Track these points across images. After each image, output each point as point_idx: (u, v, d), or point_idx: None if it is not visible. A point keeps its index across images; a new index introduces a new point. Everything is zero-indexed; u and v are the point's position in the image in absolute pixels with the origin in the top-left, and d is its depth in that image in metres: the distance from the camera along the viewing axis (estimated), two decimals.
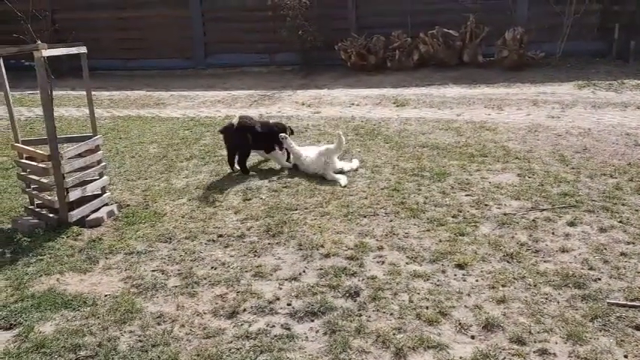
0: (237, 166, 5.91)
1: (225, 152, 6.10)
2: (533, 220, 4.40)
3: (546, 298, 3.33)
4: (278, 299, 3.42)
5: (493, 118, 8.00)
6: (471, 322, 3.11)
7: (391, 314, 3.21)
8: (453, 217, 4.54)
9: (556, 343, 2.92)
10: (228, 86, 11.66)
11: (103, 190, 4.99)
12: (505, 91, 9.77)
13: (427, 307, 3.26)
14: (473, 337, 3.00)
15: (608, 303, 3.24)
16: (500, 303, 3.29)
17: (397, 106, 9.13)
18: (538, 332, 3.01)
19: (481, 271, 3.67)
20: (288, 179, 5.60)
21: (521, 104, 8.71)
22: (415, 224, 4.43)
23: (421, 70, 11.78)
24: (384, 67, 12.10)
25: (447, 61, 11.79)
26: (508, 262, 3.79)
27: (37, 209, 4.78)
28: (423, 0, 12.41)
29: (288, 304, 3.36)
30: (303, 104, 9.62)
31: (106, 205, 4.93)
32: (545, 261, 3.79)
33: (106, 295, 3.54)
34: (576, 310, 3.20)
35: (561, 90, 9.56)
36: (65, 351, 2.97)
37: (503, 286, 3.48)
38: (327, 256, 3.95)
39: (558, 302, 3.29)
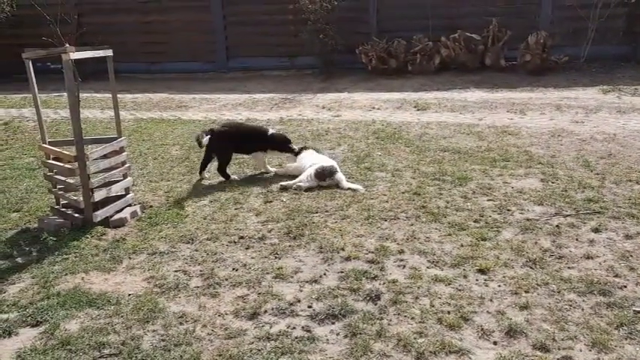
0: (205, 174, 5.90)
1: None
2: (556, 226, 4.35)
3: (570, 305, 3.29)
4: (299, 301, 3.43)
5: (515, 122, 7.93)
6: (493, 328, 3.09)
7: (412, 318, 3.20)
8: (474, 221, 4.50)
9: (580, 350, 2.88)
10: (249, 89, 11.74)
11: (127, 190, 5.07)
12: (528, 95, 9.67)
13: (449, 312, 3.24)
14: (495, 343, 2.97)
15: (634, 311, 3.19)
16: (523, 309, 3.25)
17: (418, 110, 9.09)
18: (562, 339, 2.97)
19: (503, 277, 3.63)
20: None
21: (545, 109, 8.62)
22: (436, 228, 4.41)
23: (442, 74, 11.73)
24: (404, 70, 12.06)
25: (468, 65, 11.72)
26: (531, 267, 3.75)
27: (62, 209, 4.87)
28: (444, 4, 12.37)
29: (309, 307, 3.37)
30: (323, 107, 9.64)
31: (130, 205, 5.00)
32: (569, 267, 3.74)
33: (129, 295, 3.59)
34: (601, 317, 3.16)
35: (585, 95, 9.44)
36: (90, 349, 3.02)
37: (526, 291, 3.44)
38: (347, 259, 3.95)
39: (583, 309, 3.24)
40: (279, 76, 13.07)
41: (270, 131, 6.15)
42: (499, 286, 3.53)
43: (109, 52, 4.81)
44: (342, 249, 4.09)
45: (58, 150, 4.82)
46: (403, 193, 5.19)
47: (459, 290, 3.49)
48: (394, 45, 12.03)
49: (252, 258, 4.05)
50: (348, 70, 12.50)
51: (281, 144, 6.09)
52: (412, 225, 4.49)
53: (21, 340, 3.13)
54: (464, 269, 3.74)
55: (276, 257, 4.05)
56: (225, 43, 13.72)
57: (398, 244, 4.16)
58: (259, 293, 3.55)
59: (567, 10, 11.50)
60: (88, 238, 4.45)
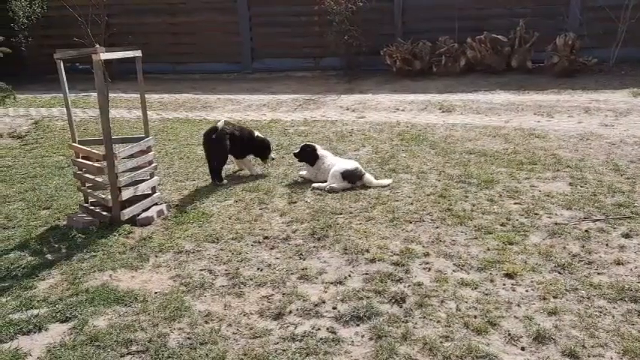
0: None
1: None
2: (585, 231, 4.27)
3: (600, 312, 3.22)
4: (323, 302, 3.43)
5: (543, 125, 7.81)
6: (521, 333, 3.04)
7: (438, 322, 3.17)
8: (501, 225, 4.44)
9: (611, 358, 2.82)
10: (273, 90, 11.79)
11: (153, 189, 5.13)
12: (555, 97, 9.52)
13: (475, 316, 3.20)
14: (523, 349, 2.92)
15: None
16: (552, 315, 3.20)
17: (443, 111, 9.02)
18: (592, 346, 2.91)
19: (531, 282, 3.58)
20: None
21: (573, 111, 8.47)
22: (462, 231, 4.36)
23: (468, 75, 11.62)
24: (429, 72, 11.99)
25: (494, 67, 11.59)
26: (559, 273, 3.68)
27: (91, 207, 4.95)
28: (470, 5, 12.26)
29: (334, 308, 3.36)
30: (347, 109, 9.63)
31: (156, 204, 5.06)
32: (598, 273, 3.66)
33: (156, 293, 3.63)
34: (632, 325, 3.09)
35: (615, 97, 9.25)
36: (118, 345, 3.06)
37: (554, 297, 3.38)
38: (372, 261, 3.93)
39: (613, 316, 3.17)
40: (304, 77, 13.10)
41: (256, 133, 6.20)
42: (527, 291, 3.48)
43: (138, 53, 4.87)
44: (367, 251, 4.07)
45: (88, 149, 4.91)
46: (428, 195, 5.15)
47: (486, 294, 3.44)
48: (419, 46, 11.97)
49: (277, 258, 4.07)
50: (372, 72, 12.47)
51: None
52: (437, 228, 4.45)
53: (51, 335, 3.19)
54: (490, 273, 3.70)
55: (300, 258, 4.06)
56: (250, 44, 13.81)
57: (423, 246, 4.13)
58: (284, 293, 3.56)
59: (597, 11, 11.30)
60: (115, 236, 4.51)
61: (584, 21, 11.44)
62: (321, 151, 5.88)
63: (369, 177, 5.52)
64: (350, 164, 5.58)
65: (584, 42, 11.05)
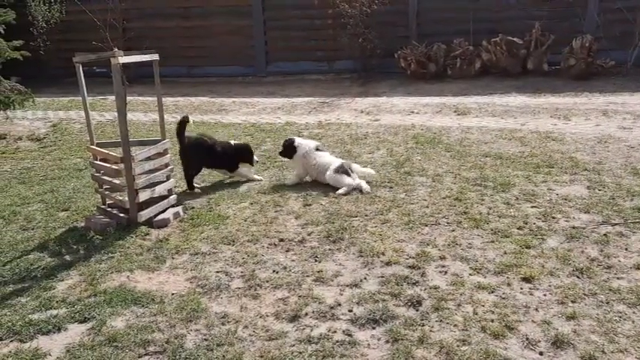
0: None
1: None
2: (604, 235, 4.22)
3: (620, 317, 3.18)
4: (339, 305, 3.43)
5: (559, 128, 7.74)
6: (539, 338, 3.01)
7: (455, 325, 3.15)
8: (518, 228, 4.41)
9: None
10: (287, 93, 11.83)
11: (170, 192, 5.17)
12: (572, 100, 9.43)
13: (492, 320, 3.18)
14: (541, 354, 2.90)
15: None
16: (570, 319, 3.17)
17: (458, 114, 8.98)
18: (612, 352, 2.87)
19: (549, 286, 3.54)
20: None
21: (590, 114, 8.38)
22: (478, 235, 4.34)
23: (483, 78, 11.56)
24: (444, 75, 11.95)
25: (510, 70, 11.52)
26: (578, 277, 3.64)
27: (108, 209, 5.00)
28: (486, 7, 12.20)
29: (350, 311, 3.36)
30: (361, 112, 9.63)
31: (173, 206, 5.09)
32: (618, 278, 3.62)
33: (172, 294, 3.65)
34: None
35: (633, 100, 9.14)
36: (135, 346, 3.09)
37: (573, 301, 3.35)
38: (388, 263, 3.93)
39: (633, 321, 3.13)
40: (318, 80, 13.12)
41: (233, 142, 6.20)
42: (544, 295, 3.45)
43: (155, 57, 4.92)
44: (383, 253, 4.07)
45: (105, 151, 4.96)
46: (444, 198, 5.13)
47: (503, 298, 3.42)
48: (434, 49, 11.94)
49: (293, 261, 4.07)
50: (386, 75, 12.46)
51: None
52: (453, 231, 4.43)
53: (70, 336, 3.23)
54: (508, 277, 3.67)
55: (316, 260, 4.06)
56: (264, 47, 13.87)
57: (439, 249, 4.11)
58: (300, 296, 3.56)
59: (614, 12, 11.18)
60: (132, 237, 4.56)
61: (602, 23, 11.33)
62: (300, 141, 5.94)
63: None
64: (336, 162, 5.70)
65: (602, 44, 10.94)
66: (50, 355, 3.06)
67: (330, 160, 5.75)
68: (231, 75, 13.95)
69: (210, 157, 5.84)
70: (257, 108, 10.52)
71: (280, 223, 4.78)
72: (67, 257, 4.29)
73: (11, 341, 3.19)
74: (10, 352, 3.09)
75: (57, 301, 3.60)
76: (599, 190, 5.18)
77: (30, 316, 3.43)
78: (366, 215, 4.83)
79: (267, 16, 13.74)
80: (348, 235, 4.43)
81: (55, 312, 3.47)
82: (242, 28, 13.96)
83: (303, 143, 5.88)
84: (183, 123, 5.51)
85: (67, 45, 13.41)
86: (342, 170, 5.55)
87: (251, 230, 4.63)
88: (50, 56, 13.66)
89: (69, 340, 3.18)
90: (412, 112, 9.38)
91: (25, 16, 12.93)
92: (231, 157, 5.93)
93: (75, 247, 4.48)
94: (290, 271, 3.91)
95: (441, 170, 5.97)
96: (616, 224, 4.40)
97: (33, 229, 4.88)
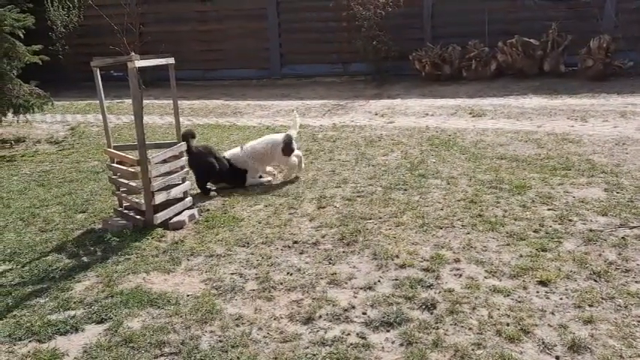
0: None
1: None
2: (622, 238, 4.16)
3: (638, 321, 3.14)
4: (353, 307, 3.43)
5: (576, 130, 7.65)
6: (555, 342, 2.98)
7: (470, 329, 3.14)
8: (534, 231, 4.37)
9: None
10: (302, 96, 11.85)
11: (185, 194, 5.21)
12: (589, 102, 9.32)
13: (508, 324, 3.15)
14: (557, 358, 2.87)
15: None
16: (588, 323, 3.13)
17: (473, 116, 8.93)
18: (630, 356, 2.84)
19: (566, 289, 3.51)
20: (362, 188, 5.61)
21: (608, 116, 8.28)
22: (494, 238, 4.31)
23: (498, 80, 11.48)
24: (459, 77, 11.89)
25: (526, 71, 11.42)
26: (595, 280, 3.60)
27: (125, 211, 5.06)
28: (501, 9, 12.12)
29: (364, 313, 3.36)
30: (376, 114, 9.62)
31: (188, 208, 5.14)
32: (636, 281, 3.57)
33: (188, 295, 3.68)
34: None
35: None
36: (151, 346, 3.12)
37: (590, 305, 3.31)
38: (402, 266, 3.92)
39: None
40: (332, 83, 13.14)
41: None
42: (561, 298, 3.41)
43: (171, 60, 4.97)
44: (397, 256, 4.06)
45: (122, 154, 5.02)
46: (459, 200, 5.11)
47: (519, 302, 3.39)
48: (449, 51, 11.89)
49: (306, 263, 4.08)
50: (401, 77, 12.43)
51: None
52: (468, 234, 4.41)
53: (87, 336, 3.27)
54: (523, 280, 3.64)
55: (329, 263, 4.06)
56: (279, 50, 13.93)
57: (454, 252, 4.09)
58: (314, 298, 3.57)
59: (632, 12, 11.04)
60: (148, 239, 4.60)
61: (620, 23, 11.19)
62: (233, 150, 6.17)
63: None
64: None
65: (620, 44, 10.80)
66: (68, 355, 3.10)
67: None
68: (245, 78, 14.03)
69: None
70: (271, 110, 10.56)
71: (294, 225, 4.79)
72: (85, 259, 4.35)
73: (30, 341, 3.24)
74: (29, 352, 3.14)
75: (75, 302, 3.65)
76: (617, 192, 5.11)
77: (48, 316, 3.49)
78: (380, 218, 4.82)
79: (282, 19, 13.80)
80: (362, 237, 4.43)
81: (72, 313, 3.52)
82: (257, 31, 14.03)
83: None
84: (186, 136, 5.54)
85: (84, 49, 13.59)
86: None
87: (265, 232, 4.66)
88: (68, 60, 13.86)
89: (86, 340, 3.22)
90: (427, 114, 9.35)
91: (44, 21, 13.14)
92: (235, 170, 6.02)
93: (92, 248, 4.54)
94: (304, 273, 3.92)
95: (455, 173, 5.94)
96: (634, 227, 4.34)
97: (51, 230, 4.95)
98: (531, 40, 11.31)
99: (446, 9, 12.57)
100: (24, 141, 8.81)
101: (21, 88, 8.43)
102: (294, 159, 5.98)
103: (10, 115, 8.42)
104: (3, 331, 3.34)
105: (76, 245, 4.61)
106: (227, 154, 6.11)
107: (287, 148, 5.94)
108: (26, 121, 9.45)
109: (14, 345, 3.21)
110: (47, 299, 3.72)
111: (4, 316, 3.52)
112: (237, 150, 6.13)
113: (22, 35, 8.40)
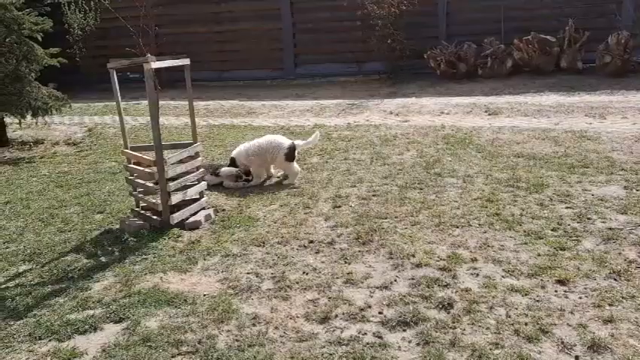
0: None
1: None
2: None
3: None
4: (369, 307, 3.42)
5: (595, 127, 7.55)
6: (574, 342, 2.94)
7: (487, 328, 3.11)
8: (552, 230, 4.32)
9: None
10: (316, 96, 11.86)
11: (201, 194, 5.24)
12: (608, 98, 9.20)
13: (526, 324, 3.12)
14: (577, 358, 2.83)
15: None
16: (607, 323, 3.09)
17: (489, 114, 8.86)
18: None
19: (585, 288, 3.46)
20: (377, 187, 5.59)
21: (627, 112, 8.16)
22: (511, 236, 4.27)
23: (514, 77, 11.38)
24: (474, 75, 11.81)
25: (542, 68, 11.30)
26: (615, 279, 3.55)
27: (142, 211, 5.10)
28: (517, 6, 12.01)
29: (380, 313, 3.35)
30: (391, 113, 9.59)
31: (204, 209, 5.16)
32: None
33: (204, 295, 3.70)
34: None
35: None
36: (169, 346, 3.14)
37: (610, 305, 3.26)
38: (418, 265, 3.90)
39: None
40: (347, 82, 13.12)
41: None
42: (580, 298, 3.37)
43: (187, 62, 5.00)
44: (413, 255, 4.04)
45: (139, 155, 5.06)
46: (475, 199, 5.07)
47: (537, 301, 3.35)
48: (464, 49, 11.81)
49: (322, 262, 4.08)
50: (415, 75, 12.39)
51: None
52: (485, 232, 4.37)
53: (105, 335, 3.30)
54: (541, 279, 3.60)
55: (345, 262, 4.06)
56: (293, 50, 13.96)
57: (470, 251, 4.06)
58: (330, 297, 3.56)
59: None
60: (165, 239, 4.64)
61: (638, 19, 11.01)
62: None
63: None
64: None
65: (638, 41, 10.63)
66: (87, 354, 3.14)
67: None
68: (260, 78, 14.09)
69: None
70: (286, 111, 10.58)
71: (310, 224, 4.80)
72: (103, 259, 4.39)
73: (50, 340, 3.28)
74: (49, 351, 3.18)
75: (93, 302, 3.69)
76: (637, 190, 5.03)
77: (67, 316, 3.53)
78: (396, 217, 4.81)
79: (297, 19, 13.82)
80: (378, 236, 4.42)
81: (91, 312, 3.56)
82: (271, 31, 14.08)
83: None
84: None
85: (101, 51, 13.77)
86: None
87: (281, 232, 4.66)
88: (85, 63, 14.04)
89: (104, 339, 3.26)
90: (442, 112, 9.30)
91: (61, 24, 13.33)
92: None
93: (110, 248, 4.59)
94: (320, 272, 3.92)
95: (471, 171, 5.90)
96: None
97: (70, 231, 5.01)
98: (548, 37, 11.19)
99: (461, 6, 12.51)
100: (42, 143, 8.94)
101: (39, 90, 8.55)
102: (296, 166, 6.04)
103: (29, 117, 8.54)
104: (23, 330, 3.39)
105: (94, 245, 4.66)
106: (233, 153, 6.25)
107: (290, 154, 5.96)
108: (45, 123, 9.60)
109: (34, 344, 3.26)
110: (66, 299, 3.76)
111: (24, 316, 3.57)
112: (241, 148, 6.22)
113: (40, 38, 8.51)
